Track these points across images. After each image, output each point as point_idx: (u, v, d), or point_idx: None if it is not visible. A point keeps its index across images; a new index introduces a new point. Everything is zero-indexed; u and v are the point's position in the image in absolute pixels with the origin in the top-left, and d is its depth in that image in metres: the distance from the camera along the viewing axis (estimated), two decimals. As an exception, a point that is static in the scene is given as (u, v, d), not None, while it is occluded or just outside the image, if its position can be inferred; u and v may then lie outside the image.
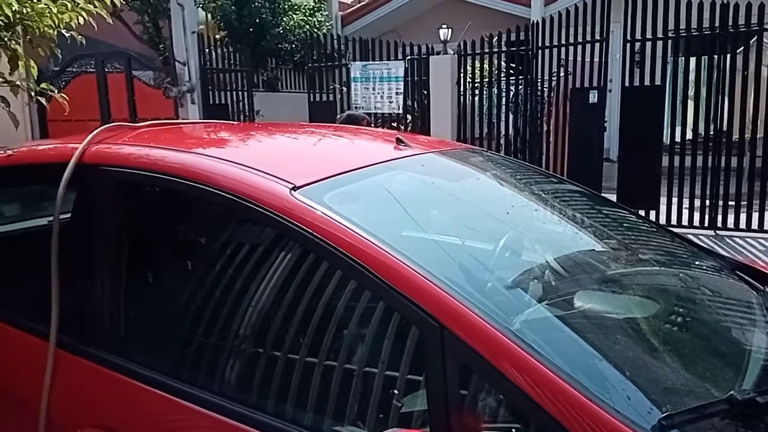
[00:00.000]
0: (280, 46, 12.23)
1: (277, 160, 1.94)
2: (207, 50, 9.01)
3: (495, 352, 1.23)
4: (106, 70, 9.22)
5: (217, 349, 1.65)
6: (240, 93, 9.48)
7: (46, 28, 3.36)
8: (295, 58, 12.39)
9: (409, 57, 8.48)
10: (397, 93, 8.49)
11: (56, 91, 3.73)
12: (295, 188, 1.56)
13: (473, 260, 1.65)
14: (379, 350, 1.42)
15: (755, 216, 6.38)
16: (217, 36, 10.86)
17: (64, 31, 3.54)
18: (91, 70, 9.28)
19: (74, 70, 9.46)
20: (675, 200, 6.66)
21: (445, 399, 1.25)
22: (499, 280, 1.59)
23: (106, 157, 1.84)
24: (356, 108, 8.73)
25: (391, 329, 1.42)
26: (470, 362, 1.26)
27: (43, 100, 3.66)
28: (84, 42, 3.84)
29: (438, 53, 8.54)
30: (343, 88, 8.99)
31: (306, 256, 1.56)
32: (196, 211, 1.98)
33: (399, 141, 2.10)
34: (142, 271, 1.92)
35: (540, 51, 7.58)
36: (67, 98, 3.74)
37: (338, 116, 4.37)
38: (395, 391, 1.38)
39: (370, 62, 8.70)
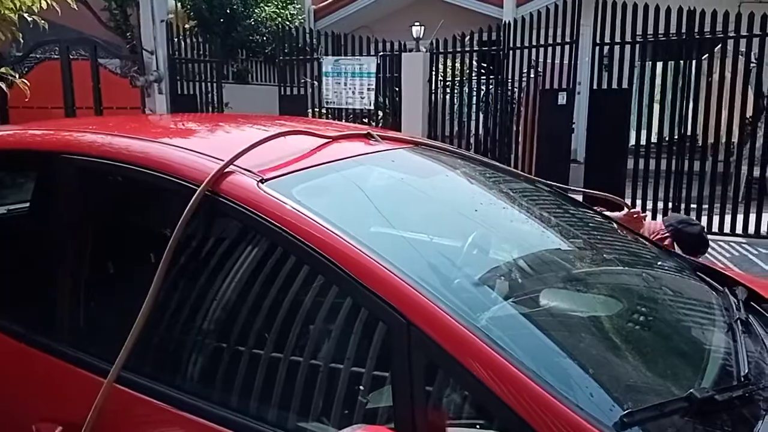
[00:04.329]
0: (251, 37, 12.07)
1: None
2: (176, 40, 8.87)
3: (461, 348, 1.23)
4: (71, 57, 9.01)
5: (181, 344, 1.62)
6: (209, 84, 9.36)
7: (6, 11, 3.26)
8: (266, 51, 12.25)
9: (381, 53, 8.45)
10: (368, 89, 8.46)
11: (17, 77, 3.64)
12: (262, 180, 1.54)
13: (441, 257, 1.65)
14: (345, 346, 1.41)
15: (716, 219, 6.54)
16: (187, 26, 10.67)
17: (26, 15, 3.45)
18: (56, 56, 9.06)
19: (38, 56, 9.23)
20: (639, 202, 6.78)
21: (410, 395, 1.25)
22: (466, 277, 1.59)
23: None
24: (327, 102, 8.69)
25: (357, 325, 1.40)
26: (436, 358, 1.26)
27: (3, 86, 3.56)
28: (47, 27, 3.74)
29: (410, 50, 8.54)
30: (315, 82, 8.93)
31: (273, 250, 1.54)
32: (158, 201, 1.94)
33: (369, 136, 2.09)
34: (103, 260, 1.88)
35: (511, 51, 7.64)
36: (29, 84, 3.64)
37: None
38: (361, 387, 1.37)
39: (343, 57, 8.66)
